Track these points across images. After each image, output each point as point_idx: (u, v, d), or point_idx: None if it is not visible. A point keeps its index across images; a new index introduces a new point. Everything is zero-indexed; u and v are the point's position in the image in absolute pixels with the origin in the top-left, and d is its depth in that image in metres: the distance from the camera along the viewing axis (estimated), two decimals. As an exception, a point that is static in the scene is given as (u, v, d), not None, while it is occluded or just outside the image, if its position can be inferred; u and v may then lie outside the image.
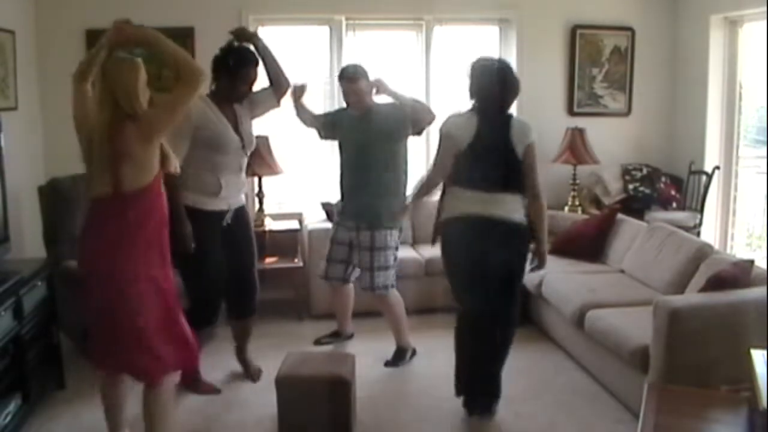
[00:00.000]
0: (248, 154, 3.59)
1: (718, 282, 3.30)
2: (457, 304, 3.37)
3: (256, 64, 3.49)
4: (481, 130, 3.17)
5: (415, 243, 5.14)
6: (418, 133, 3.95)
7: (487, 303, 3.17)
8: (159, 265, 2.77)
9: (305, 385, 3.12)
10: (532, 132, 3.22)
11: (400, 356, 4.10)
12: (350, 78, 3.82)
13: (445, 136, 3.24)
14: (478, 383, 3.34)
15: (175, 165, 2.86)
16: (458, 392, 3.39)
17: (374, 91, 3.87)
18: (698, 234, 4.97)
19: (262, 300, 5.04)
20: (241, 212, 3.61)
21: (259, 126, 5.04)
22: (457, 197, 3.23)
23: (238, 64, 3.43)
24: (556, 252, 4.70)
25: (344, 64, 5.19)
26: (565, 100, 5.52)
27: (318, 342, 4.30)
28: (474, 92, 3.26)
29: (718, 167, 5.20)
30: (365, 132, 3.85)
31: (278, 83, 3.61)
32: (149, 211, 2.75)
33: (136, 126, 2.66)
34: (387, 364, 4.06)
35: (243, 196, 3.66)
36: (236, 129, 3.48)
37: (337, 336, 4.35)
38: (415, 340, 4.35)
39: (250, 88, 3.52)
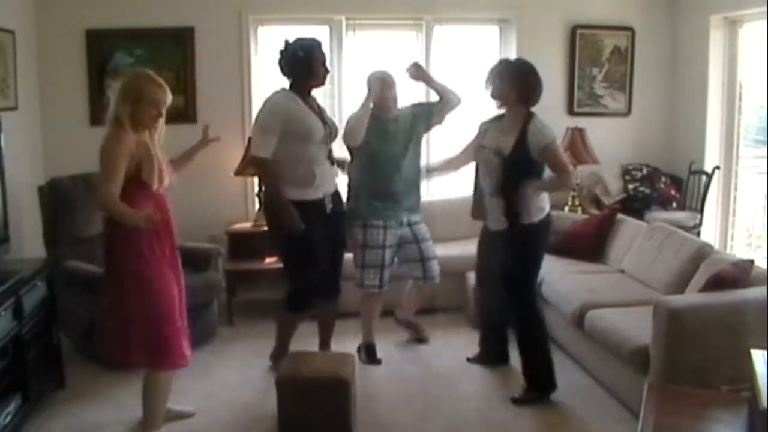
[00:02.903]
0: (333, 142, 3.70)
1: (718, 282, 3.30)
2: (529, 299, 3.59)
3: (320, 45, 3.61)
4: None
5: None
6: (440, 122, 4.08)
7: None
8: (151, 264, 2.95)
9: (305, 385, 3.12)
10: None
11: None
12: (391, 84, 3.91)
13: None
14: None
15: (152, 180, 2.92)
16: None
17: (411, 76, 4.02)
18: (698, 234, 4.97)
19: (262, 300, 5.08)
20: (336, 197, 3.75)
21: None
22: (545, 197, 3.52)
23: (307, 50, 3.54)
24: (556, 252, 4.70)
25: (344, 64, 5.24)
26: (565, 100, 5.52)
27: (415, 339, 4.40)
28: (534, 93, 3.47)
29: (718, 167, 5.20)
30: (401, 133, 3.95)
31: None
32: (110, 216, 2.91)
33: (105, 136, 2.84)
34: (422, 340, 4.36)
35: (336, 182, 3.78)
36: (322, 118, 3.60)
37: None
38: (414, 342, 4.37)
39: (326, 68, 3.62)
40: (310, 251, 3.58)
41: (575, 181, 3.38)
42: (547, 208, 3.53)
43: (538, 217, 3.46)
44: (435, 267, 4.12)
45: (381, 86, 3.85)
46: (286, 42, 3.58)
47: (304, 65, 3.53)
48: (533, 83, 3.45)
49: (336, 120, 4.35)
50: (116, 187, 2.80)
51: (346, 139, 3.87)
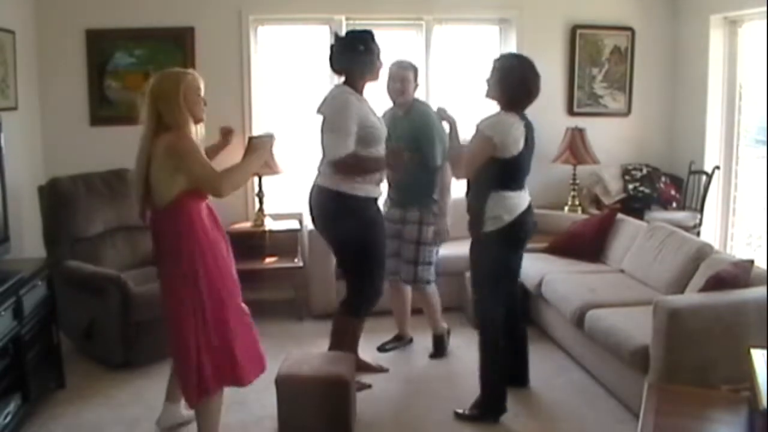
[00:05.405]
0: None
1: (718, 282, 3.30)
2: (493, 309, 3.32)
3: (374, 36, 3.38)
4: (528, 136, 3.19)
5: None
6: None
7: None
8: (206, 283, 2.79)
9: (305, 385, 3.13)
10: None
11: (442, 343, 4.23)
12: (401, 65, 3.82)
13: (488, 140, 3.12)
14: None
15: (206, 192, 2.83)
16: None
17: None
18: (698, 234, 4.96)
19: (262, 300, 5.07)
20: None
21: (259, 125, 5.08)
22: (511, 198, 3.22)
23: (366, 42, 3.30)
24: (556, 252, 4.71)
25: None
26: (565, 100, 5.52)
27: (382, 348, 4.22)
28: (517, 92, 3.19)
29: (718, 167, 5.20)
30: (404, 129, 3.77)
31: None
32: (179, 230, 2.77)
33: (169, 140, 2.70)
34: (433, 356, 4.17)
35: None
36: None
37: (400, 340, 4.30)
38: (416, 341, 4.36)
39: (381, 61, 3.41)
40: (383, 248, 3.46)
41: (454, 179, 3.16)
42: (507, 218, 3.19)
43: (491, 228, 3.20)
44: (422, 273, 3.92)
45: (390, 72, 3.79)
46: (336, 35, 3.38)
47: (364, 59, 3.28)
48: (519, 81, 3.18)
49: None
50: (216, 169, 2.75)
51: None
